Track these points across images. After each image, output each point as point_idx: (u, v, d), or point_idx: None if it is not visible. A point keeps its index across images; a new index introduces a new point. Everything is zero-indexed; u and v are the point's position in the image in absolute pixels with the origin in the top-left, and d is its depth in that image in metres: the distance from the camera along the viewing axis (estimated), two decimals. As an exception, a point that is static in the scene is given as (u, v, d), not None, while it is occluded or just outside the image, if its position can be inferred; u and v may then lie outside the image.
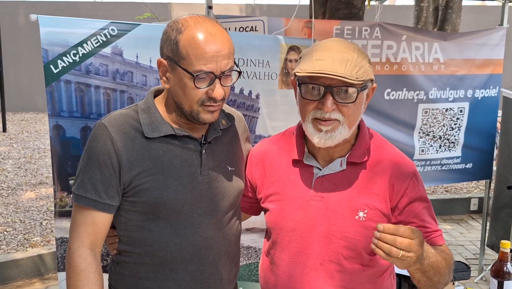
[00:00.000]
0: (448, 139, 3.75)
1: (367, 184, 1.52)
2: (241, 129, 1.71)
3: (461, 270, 3.04)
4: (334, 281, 1.52)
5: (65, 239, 2.16)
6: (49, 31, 2.06)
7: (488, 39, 3.73)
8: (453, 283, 2.51)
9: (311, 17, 3.09)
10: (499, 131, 4.38)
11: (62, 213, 2.19)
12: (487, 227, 4.27)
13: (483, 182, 5.00)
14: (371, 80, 1.49)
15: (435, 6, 7.03)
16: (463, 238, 5.05)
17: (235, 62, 1.45)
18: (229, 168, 1.59)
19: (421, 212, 1.52)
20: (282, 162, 1.61)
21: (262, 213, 1.72)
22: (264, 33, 2.91)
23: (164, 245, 1.48)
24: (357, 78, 1.40)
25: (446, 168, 3.81)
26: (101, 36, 2.13)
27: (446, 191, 6.26)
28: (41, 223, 4.86)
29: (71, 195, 1.51)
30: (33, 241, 4.43)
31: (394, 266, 1.60)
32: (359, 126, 1.56)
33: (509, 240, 3.49)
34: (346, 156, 1.53)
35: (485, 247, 4.25)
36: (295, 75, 1.47)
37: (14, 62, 11.95)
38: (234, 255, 1.64)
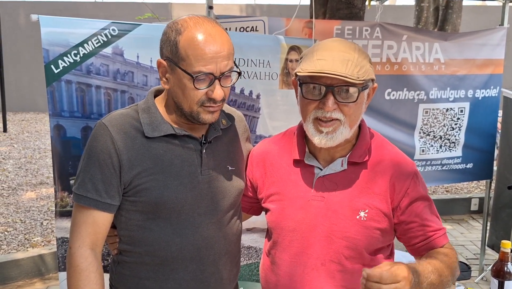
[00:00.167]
0: (448, 140, 3.75)
1: (368, 184, 1.52)
2: (242, 129, 1.71)
3: (462, 270, 3.05)
4: (335, 281, 1.52)
5: (65, 239, 2.16)
6: (50, 31, 2.06)
7: (489, 39, 3.73)
8: (454, 283, 2.51)
9: (311, 17, 3.09)
10: (500, 131, 4.37)
11: (62, 213, 2.19)
12: (488, 227, 4.26)
13: (484, 182, 5.00)
14: (372, 80, 1.49)
15: (435, 6, 7.02)
16: (464, 238, 5.04)
17: (234, 63, 1.45)
18: (230, 168, 1.59)
19: (422, 211, 1.52)
20: (283, 161, 1.61)
21: (263, 213, 1.72)
22: (264, 33, 2.91)
23: (165, 244, 1.48)
24: (358, 77, 1.40)
25: (446, 168, 3.80)
26: (102, 36, 2.13)
27: (446, 191, 6.25)
28: (42, 223, 4.86)
29: (72, 195, 1.51)
30: (34, 241, 4.43)
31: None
32: (360, 126, 1.56)
33: (509, 240, 3.47)
34: (347, 156, 1.53)
35: (486, 247, 4.25)
36: (296, 75, 1.48)
37: (14, 62, 11.94)
38: (235, 255, 1.64)
